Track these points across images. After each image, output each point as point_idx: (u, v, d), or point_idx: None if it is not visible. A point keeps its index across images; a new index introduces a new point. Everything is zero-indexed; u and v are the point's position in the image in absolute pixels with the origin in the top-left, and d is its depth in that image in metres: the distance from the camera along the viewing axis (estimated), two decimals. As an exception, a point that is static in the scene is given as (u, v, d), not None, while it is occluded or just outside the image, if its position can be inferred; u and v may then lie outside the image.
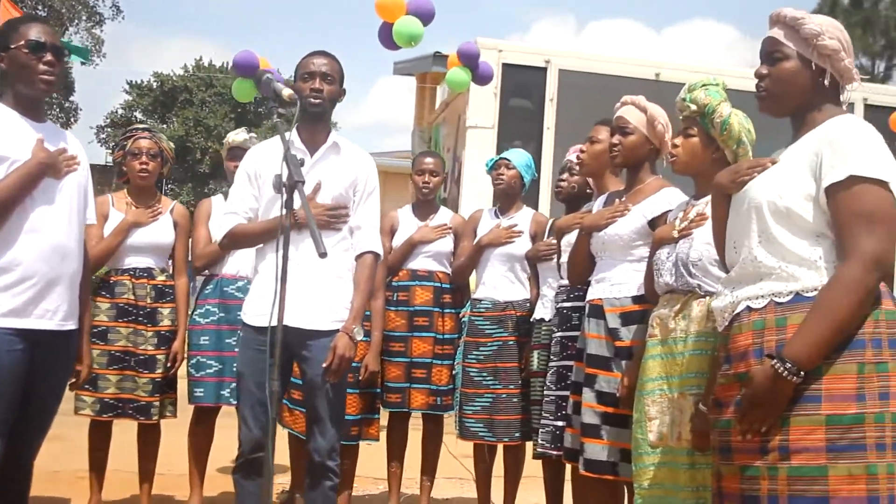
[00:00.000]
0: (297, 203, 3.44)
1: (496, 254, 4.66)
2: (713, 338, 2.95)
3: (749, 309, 2.41)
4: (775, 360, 2.24)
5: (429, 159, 4.98)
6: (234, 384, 4.53)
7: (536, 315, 4.46)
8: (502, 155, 4.81)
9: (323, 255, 2.61)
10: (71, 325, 3.23)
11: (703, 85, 3.17)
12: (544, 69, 8.82)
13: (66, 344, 3.24)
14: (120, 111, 34.11)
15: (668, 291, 3.15)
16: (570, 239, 4.00)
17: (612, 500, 3.62)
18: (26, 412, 3.17)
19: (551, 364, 3.99)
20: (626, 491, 3.62)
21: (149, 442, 4.59)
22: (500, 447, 4.73)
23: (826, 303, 2.25)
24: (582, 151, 4.07)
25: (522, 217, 4.74)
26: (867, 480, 2.19)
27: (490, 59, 7.72)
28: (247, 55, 5.73)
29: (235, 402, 4.53)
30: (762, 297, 2.39)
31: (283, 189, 2.74)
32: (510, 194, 4.76)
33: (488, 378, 4.58)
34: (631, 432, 3.35)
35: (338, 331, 3.44)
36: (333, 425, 3.49)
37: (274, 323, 3.39)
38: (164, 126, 32.60)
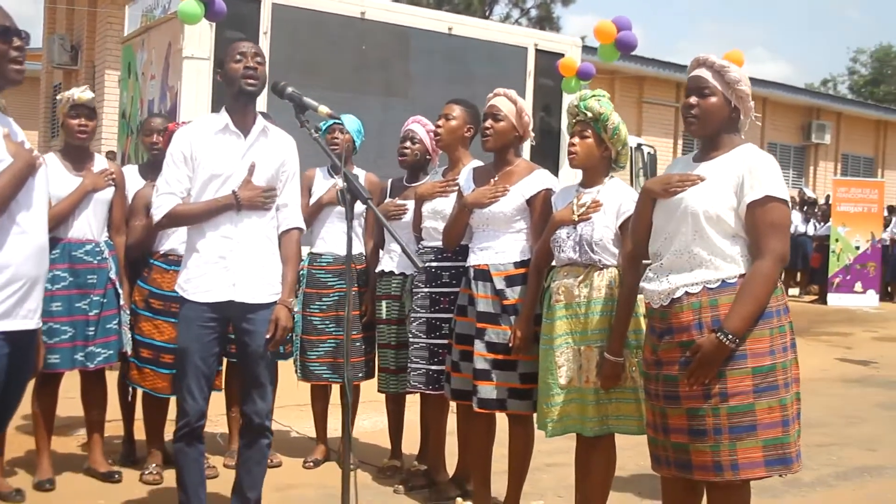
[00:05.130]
0: (235, 185, 3.71)
1: (336, 211, 5.05)
2: (611, 301, 3.76)
3: (687, 293, 3.22)
4: (719, 333, 3.08)
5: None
6: (88, 348, 4.56)
7: (384, 268, 4.93)
8: (336, 119, 5.14)
9: (420, 269, 2.99)
10: (40, 323, 3.23)
11: (594, 95, 3.88)
12: (258, 2, 8.98)
13: (34, 341, 3.23)
14: None
15: (569, 264, 3.88)
16: (433, 206, 4.56)
17: (489, 430, 4.35)
18: None
19: (418, 315, 4.54)
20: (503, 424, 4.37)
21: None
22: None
23: (751, 289, 3.12)
24: (439, 127, 4.60)
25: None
26: (780, 409, 3.12)
27: (205, -12, 7.82)
28: None
29: (91, 366, 4.59)
30: (696, 283, 3.20)
31: (346, 203, 3.06)
32: (344, 157, 5.14)
33: (331, 325, 5.03)
34: (516, 374, 4.09)
35: (275, 303, 3.75)
36: (272, 389, 3.83)
37: (228, 298, 3.67)
38: None
